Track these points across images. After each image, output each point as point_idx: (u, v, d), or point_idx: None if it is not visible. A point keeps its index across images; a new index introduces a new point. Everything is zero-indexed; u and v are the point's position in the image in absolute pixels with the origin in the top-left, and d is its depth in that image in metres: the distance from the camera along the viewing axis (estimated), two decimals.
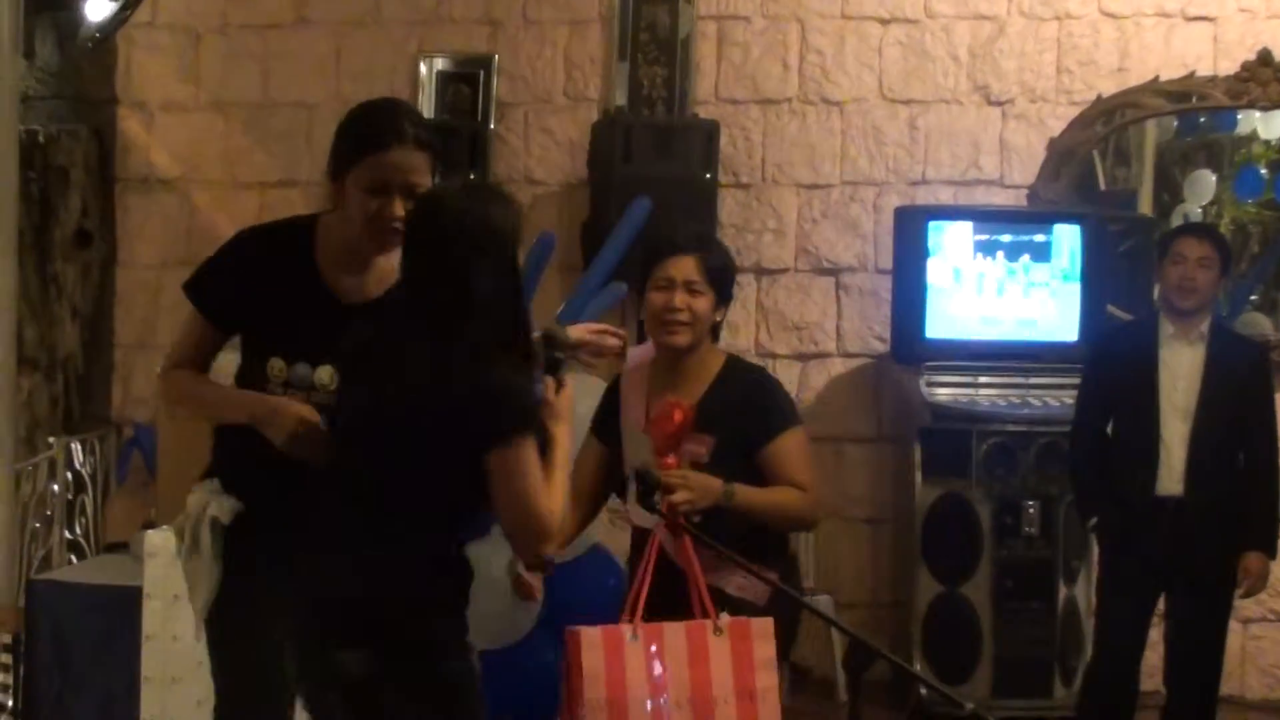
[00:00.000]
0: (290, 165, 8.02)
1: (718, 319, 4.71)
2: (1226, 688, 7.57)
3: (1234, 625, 7.64)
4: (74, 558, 7.28)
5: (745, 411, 4.58)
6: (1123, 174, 8.53)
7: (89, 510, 7.52)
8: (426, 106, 7.96)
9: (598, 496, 4.87)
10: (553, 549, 3.66)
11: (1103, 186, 8.36)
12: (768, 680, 4.21)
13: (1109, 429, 6.36)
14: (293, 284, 3.92)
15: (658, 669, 4.07)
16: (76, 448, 7.56)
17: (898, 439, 7.87)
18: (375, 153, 3.83)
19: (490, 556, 4.11)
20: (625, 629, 4.08)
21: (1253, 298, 8.42)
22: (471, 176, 7.65)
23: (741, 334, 8.12)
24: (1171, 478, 6.08)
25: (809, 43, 8.12)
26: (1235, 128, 8.43)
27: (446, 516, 3.64)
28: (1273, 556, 6.19)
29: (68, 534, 7.32)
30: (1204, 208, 8.37)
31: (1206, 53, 8.03)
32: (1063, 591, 7.37)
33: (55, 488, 7.24)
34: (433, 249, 3.59)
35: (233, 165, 8.28)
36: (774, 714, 4.22)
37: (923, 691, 7.14)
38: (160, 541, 5.53)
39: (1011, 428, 7.35)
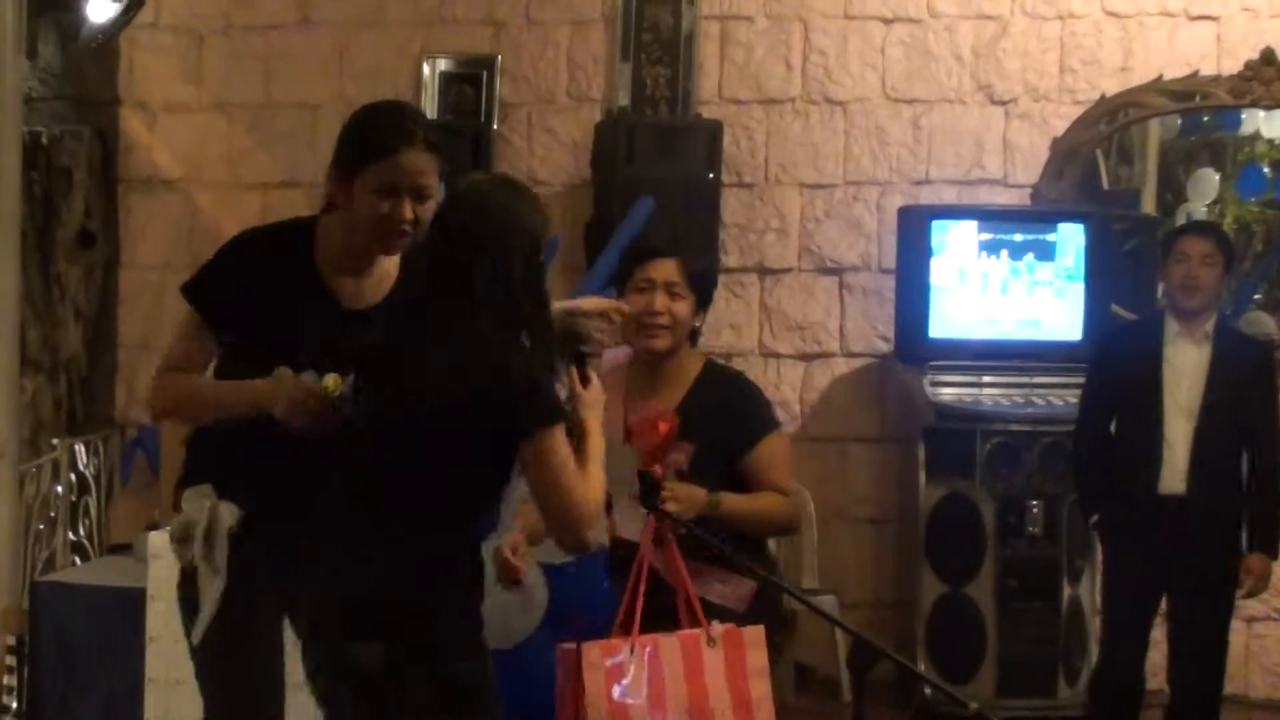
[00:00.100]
0: (293, 166, 8.01)
1: (697, 324, 4.69)
2: (1231, 687, 7.56)
3: (1238, 624, 7.65)
4: (78, 559, 7.28)
5: (726, 417, 4.56)
6: (1126, 173, 8.52)
7: (93, 512, 7.52)
8: (430, 107, 7.96)
9: None
10: (594, 536, 3.67)
11: (1106, 186, 8.35)
12: (761, 689, 4.20)
13: (1113, 427, 6.37)
14: (294, 287, 3.90)
15: (657, 683, 4.06)
16: (80, 449, 7.57)
17: (901, 439, 7.87)
18: (385, 156, 3.82)
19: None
20: (623, 645, 4.06)
21: (1256, 296, 8.42)
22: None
23: (745, 334, 8.12)
24: (1174, 477, 6.08)
25: (812, 42, 8.12)
26: (1239, 127, 8.43)
27: (465, 514, 3.65)
28: (1275, 557, 6.19)
29: (71, 535, 7.32)
30: (1207, 207, 8.36)
31: (1210, 52, 8.03)
32: (1067, 591, 7.37)
33: (59, 489, 7.24)
34: (462, 244, 3.61)
35: (235, 166, 8.28)
36: None
37: (927, 691, 7.14)
38: (163, 543, 5.52)
39: (1015, 427, 7.34)
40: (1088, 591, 7.35)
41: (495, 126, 8.09)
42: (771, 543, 5.11)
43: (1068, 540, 7.30)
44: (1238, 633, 7.71)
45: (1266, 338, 7.65)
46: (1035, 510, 7.32)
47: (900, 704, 7.35)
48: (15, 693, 6.27)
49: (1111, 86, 8.02)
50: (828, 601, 7.16)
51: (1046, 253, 7.63)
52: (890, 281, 7.89)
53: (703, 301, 4.67)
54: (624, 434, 4.52)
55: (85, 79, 8.31)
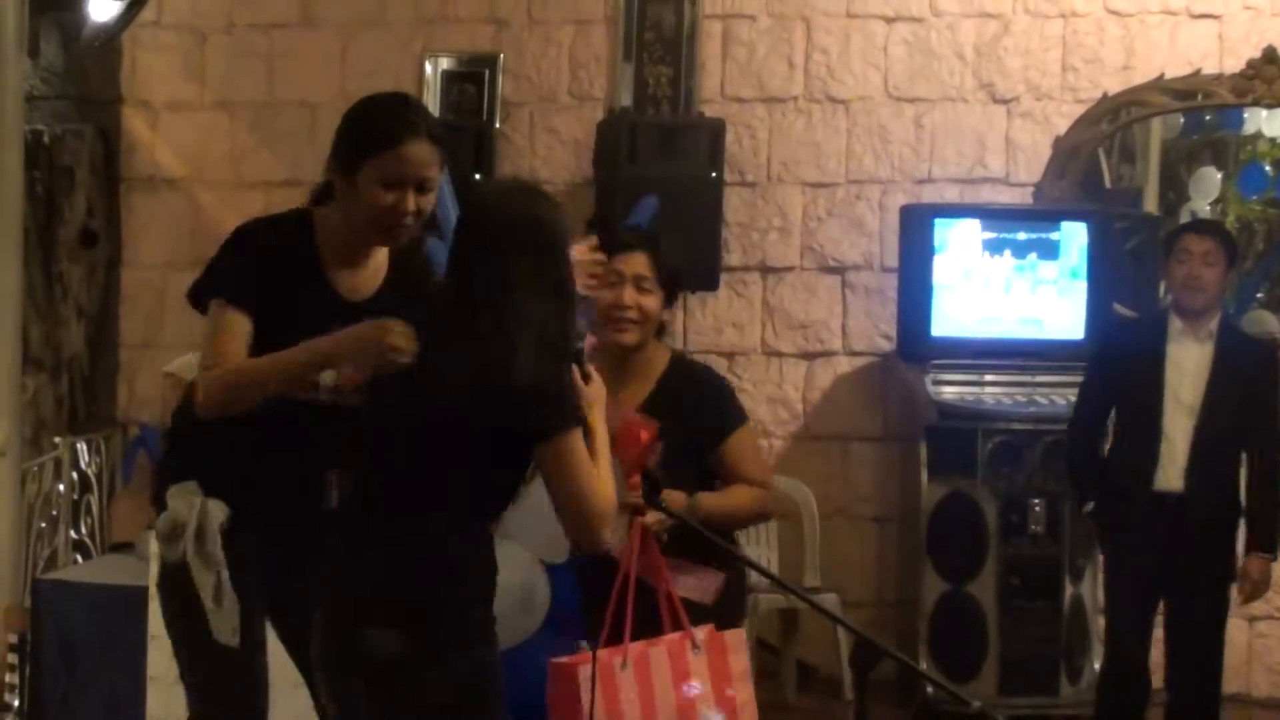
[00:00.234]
0: (295, 165, 7.99)
1: (665, 318, 4.67)
2: (1233, 686, 7.58)
3: (1240, 623, 7.67)
4: (79, 557, 7.28)
5: (695, 412, 4.54)
6: (1128, 172, 8.53)
7: (94, 510, 7.52)
8: (432, 106, 7.95)
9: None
10: (609, 535, 3.67)
11: (1108, 184, 8.36)
12: (745, 693, 4.21)
13: (1113, 422, 6.38)
14: (297, 278, 3.87)
15: (647, 694, 4.05)
16: (82, 448, 7.57)
17: (903, 437, 7.87)
18: (390, 148, 3.80)
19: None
20: (615, 659, 4.05)
21: (1258, 295, 8.42)
22: (477, 176, 7.63)
23: (747, 333, 8.12)
24: (1172, 474, 6.08)
25: (814, 41, 8.12)
26: (1241, 126, 8.43)
27: (479, 513, 3.66)
28: (1275, 558, 6.19)
29: (73, 534, 7.32)
30: (1209, 205, 8.36)
31: (1212, 50, 8.02)
32: (1069, 589, 7.37)
33: (61, 488, 7.25)
34: (486, 248, 3.62)
35: (238, 165, 8.28)
36: None
37: (929, 690, 7.15)
38: None
39: (1017, 426, 7.34)
40: (1090, 590, 7.35)
41: (497, 125, 8.09)
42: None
43: (1070, 539, 7.30)
44: (1239, 631, 7.73)
45: (1269, 336, 7.65)
46: (1037, 509, 7.32)
47: (902, 703, 7.35)
48: (17, 691, 6.27)
49: (1114, 85, 8.02)
50: (830, 600, 7.16)
51: (1049, 251, 7.63)
52: (893, 280, 7.89)
53: (671, 296, 4.64)
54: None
55: (87, 78, 8.31)
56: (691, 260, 7.35)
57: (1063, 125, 8.05)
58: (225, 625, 3.91)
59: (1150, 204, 8.45)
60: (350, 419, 3.90)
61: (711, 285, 7.71)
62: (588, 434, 3.63)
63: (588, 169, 8.00)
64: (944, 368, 7.48)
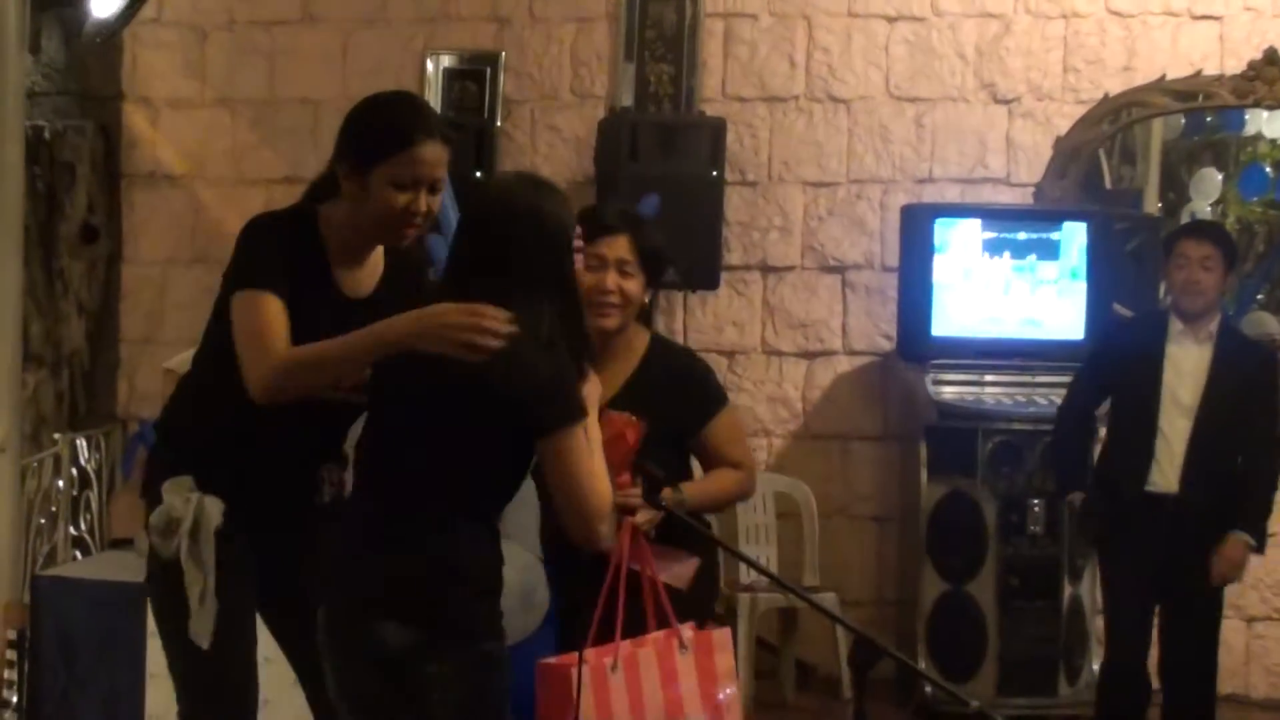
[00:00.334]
0: (296, 162, 7.99)
1: (646, 300, 4.63)
2: (1231, 686, 7.59)
3: (1238, 624, 7.67)
4: (79, 554, 7.28)
5: (677, 396, 4.50)
6: (1128, 173, 8.53)
7: (94, 506, 7.52)
8: (433, 103, 7.93)
9: None
10: (606, 530, 3.70)
11: (1109, 185, 8.37)
12: (730, 692, 4.19)
13: (1107, 422, 6.39)
14: (308, 276, 3.86)
15: (636, 695, 4.04)
16: (82, 444, 7.57)
17: (903, 437, 7.87)
18: (404, 149, 3.79)
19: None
20: (605, 660, 4.04)
21: (1259, 296, 8.42)
22: (478, 174, 7.62)
23: (748, 332, 8.13)
24: (1167, 475, 6.07)
25: (816, 40, 8.12)
26: (1242, 127, 8.44)
27: (484, 504, 3.67)
28: (1258, 548, 6.15)
29: (73, 530, 7.32)
30: (1210, 206, 8.36)
31: (1213, 52, 8.03)
32: (1068, 590, 7.38)
33: (60, 484, 7.24)
34: (491, 242, 3.63)
35: (239, 162, 8.28)
36: None
37: (928, 689, 7.16)
38: None
39: (1017, 426, 7.35)
40: (1089, 590, 7.35)
41: (499, 123, 8.09)
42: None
43: (1069, 539, 7.30)
44: (1238, 632, 7.73)
45: (1269, 338, 7.65)
46: (1037, 509, 7.32)
47: (901, 702, 7.36)
48: (16, 687, 6.27)
49: (1115, 86, 8.02)
50: (829, 599, 7.16)
51: (1049, 252, 7.63)
52: (893, 280, 7.89)
53: (653, 279, 4.60)
54: None
55: (88, 74, 8.31)
56: (692, 259, 7.37)
57: (1064, 126, 8.05)
58: (203, 627, 3.90)
59: (1151, 205, 8.45)
60: (345, 415, 3.91)
61: (712, 284, 7.72)
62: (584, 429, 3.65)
63: (589, 167, 8.00)
64: (944, 367, 7.49)
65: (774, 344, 8.14)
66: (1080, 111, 8.04)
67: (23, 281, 6.74)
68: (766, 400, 8.11)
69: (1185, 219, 8.14)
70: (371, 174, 3.81)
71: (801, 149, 8.12)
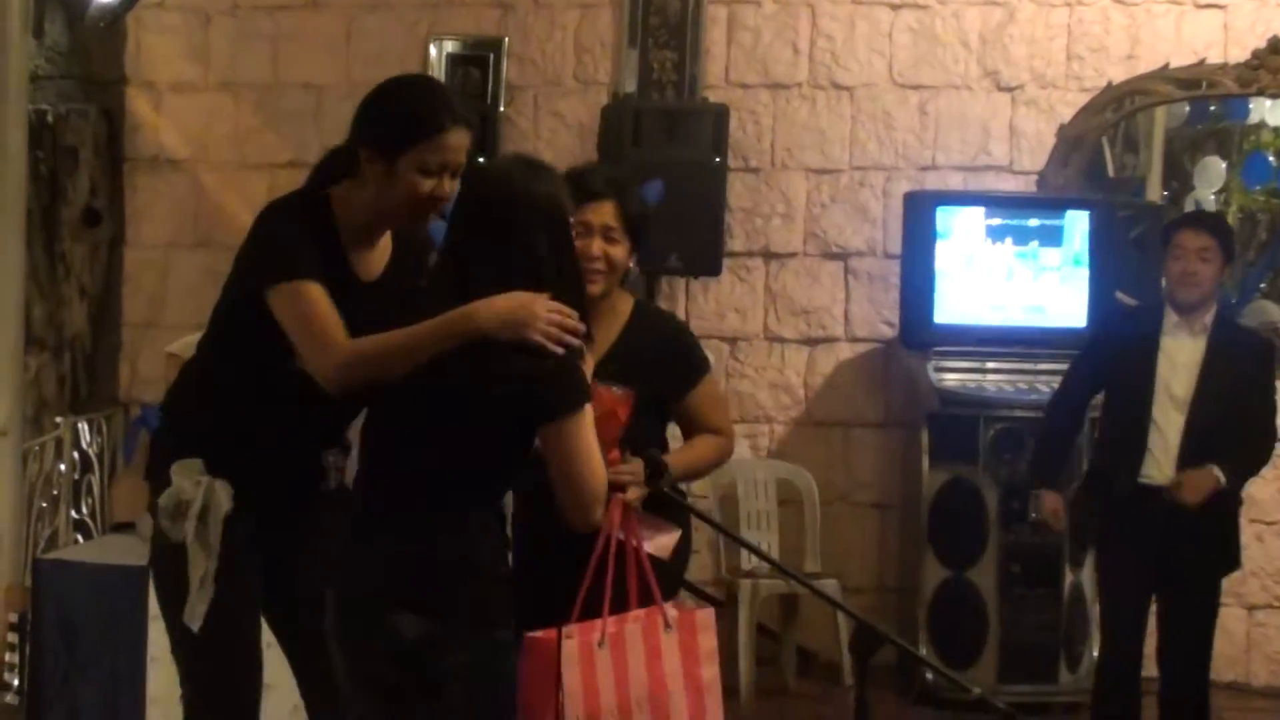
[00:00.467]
0: (300, 146, 8.00)
1: (631, 265, 4.62)
2: (1231, 674, 7.59)
3: (1239, 612, 7.68)
4: (80, 537, 7.28)
5: (663, 359, 4.47)
6: (1131, 161, 8.53)
7: (95, 490, 7.53)
8: None
9: None
10: (600, 514, 3.71)
11: (1111, 173, 8.37)
12: (711, 672, 4.18)
13: (1101, 414, 6.38)
14: (326, 261, 3.84)
15: (621, 671, 4.04)
16: (83, 427, 7.58)
17: (905, 424, 7.88)
18: (434, 135, 3.79)
19: None
20: (593, 636, 4.03)
21: (1261, 285, 8.42)
22: (481, 159, 7.61)
23: (750, 318, 8.13)
24: (1161, 466, 6.05)
25: (819, 27, 8.11)
26: (1246, 116, 8.44)
27: (487, 490, 3.68)
28: (1225, 487, 6.05)
29: (74, 514, 7.33)
30: (1214, 195, 8.36)
31: (1217, 40, 8.02)
32: (1069, 577, 7.38)
33: (62, 467, 7.26)
34: (490, 225, 3.65)
35: (242, 146, 8.28)
36: (717, 704, 4.20)
37: (929, 676, 7.16)
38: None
39: (1019, 413, 7.34)
40: (1089, 578, 7.34)
41: (502, 109, 8.09)
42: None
43: (1070, 527, 7.29)
44: (1239, 620, 7.74)
45: (1271, 326, 7.65)
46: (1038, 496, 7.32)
47: (902, 689, 7.36)
48: (17, 670, 6.28)
49: (1118, 74, 8.01)
50: (830, 586, 7.16)
51: (1052, 239, 7.63)
52: (895, 267, 7.89)
53: (638, 245, 4.58)
54: None
55: (91, 58, 8.30)
56: (695, 245, 7.37)
57: (1067, 113, 8.04)
58: (197, 610, 3.90)
59: (1154, 193, 8.45)
60: (349, 403, 3.90)
61: (714, 270, 7.71)
62: None
63: (592, 153, 7.98)
64: (946, 354, 7.49)
65: (776, 330, 8.14)
66: (1084, 99, 8.03)
67: (25, 265, 6.75)
68: (768, 387, 8.12)
69: (1189, 207, 8.13)
70: (400, 160, 3.80)
71: (804, 135, 8.12)
